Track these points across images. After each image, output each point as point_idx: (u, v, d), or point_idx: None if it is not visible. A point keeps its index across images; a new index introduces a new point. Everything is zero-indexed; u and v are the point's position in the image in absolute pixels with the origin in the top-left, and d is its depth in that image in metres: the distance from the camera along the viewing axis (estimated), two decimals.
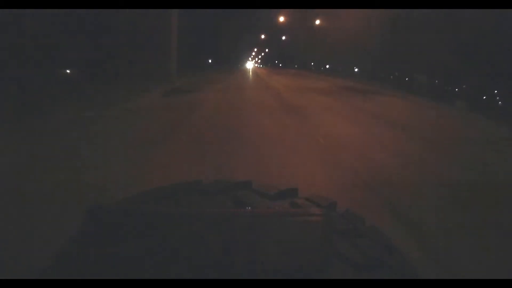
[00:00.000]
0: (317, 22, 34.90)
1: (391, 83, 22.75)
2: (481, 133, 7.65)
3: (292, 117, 7.10)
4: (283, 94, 12.24)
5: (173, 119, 6.28)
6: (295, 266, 0.57)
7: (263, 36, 58.93)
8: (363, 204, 2.79)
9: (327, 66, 43.92)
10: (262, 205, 0.87)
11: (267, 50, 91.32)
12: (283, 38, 55.04)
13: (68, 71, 10.86)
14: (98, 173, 3.25)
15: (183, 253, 0.58)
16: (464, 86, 17.77)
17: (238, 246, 0.59)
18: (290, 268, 0.57)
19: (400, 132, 6.38)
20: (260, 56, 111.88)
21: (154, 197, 0.90)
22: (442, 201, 3.06)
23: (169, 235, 0.61)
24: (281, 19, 41.47)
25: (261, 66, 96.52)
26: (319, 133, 5.66)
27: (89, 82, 10.11)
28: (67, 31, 9.81)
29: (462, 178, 3.86)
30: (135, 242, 0.60)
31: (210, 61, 37.42)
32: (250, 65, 74.87)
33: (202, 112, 7.34)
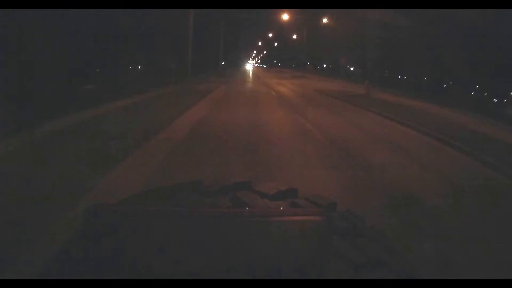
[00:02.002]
0: (294, 36, 52.28)
1: (334, 72, 39.59)
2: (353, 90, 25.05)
3: (262, 80, 25.62)
4: (261, 78, 30.99)
5: (228, 80, 24.09)
6: (295, 266, 0.56)
7: (260, 43, 76.31)
8: (274, 103, 20.64)
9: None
10: (262, 205, 0.87)
11: (265, 52, 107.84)
12: (276, 44, 72.36)
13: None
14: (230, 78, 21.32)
15: (183, 253, 0.57)
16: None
17: (238, 246, 0.58)
18: (290, 268, 0.56)
19: (303, 88, 23.58)
20: (260, 56, 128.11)
21: (154, 197, 0.90)
22: (297, 99, 20.90)
23: (169, 235, 0.60)
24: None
25: (260, 66, 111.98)
26: (267, 84, 23.61)
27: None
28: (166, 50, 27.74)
29: (315, 99, 21.64)
30: (135, 242, 0.60)
31: (223, 63, 55.43)
32: (250, 65, 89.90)
33: (235, 79, 25.41)
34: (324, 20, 33.93)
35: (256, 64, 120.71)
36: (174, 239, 0.60)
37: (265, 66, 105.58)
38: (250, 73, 41.91)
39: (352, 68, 40.69)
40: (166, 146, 5.34)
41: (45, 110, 6.55)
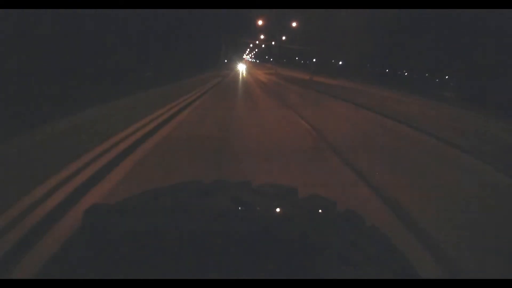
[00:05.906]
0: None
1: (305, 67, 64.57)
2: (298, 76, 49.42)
3: (249, 71, 51.22)
4: (250, 71, 56.68)
5: (232, 72, 48.67)
6: (295, 266, 0.57)
7: (251, 45, 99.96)
8: (250, 76, 45.75)
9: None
10: (262, 205, 0.87)
11: (256, 50, 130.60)
12: (263, 46, 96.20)
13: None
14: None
15: (183, 253, 0.57)
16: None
17: (238, 246, 0.58)
18: (290, 268, 0.56)
19: (264, 73, 48.20)
20: (253, 53, 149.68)
21: (154, 197, 0.90)
22: (258, 76, 45.89)
23: (169, 236, 0.60)
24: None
25: (253, 60, 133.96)
26: (251, 72, 48.63)
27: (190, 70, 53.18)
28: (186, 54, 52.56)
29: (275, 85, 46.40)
30: (134, 241, 0.59)
31: (225, 60, 79.64)
32: (244, 62, 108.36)
33: (236, 70, 50.44)
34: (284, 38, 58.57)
35: (250, 60, 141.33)
36: (173, 240, 0.60)
37: (258, 61, 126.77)
38: (244, 67, 66.81)
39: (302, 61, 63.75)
40: (228, 80, 29.66)
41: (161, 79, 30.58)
